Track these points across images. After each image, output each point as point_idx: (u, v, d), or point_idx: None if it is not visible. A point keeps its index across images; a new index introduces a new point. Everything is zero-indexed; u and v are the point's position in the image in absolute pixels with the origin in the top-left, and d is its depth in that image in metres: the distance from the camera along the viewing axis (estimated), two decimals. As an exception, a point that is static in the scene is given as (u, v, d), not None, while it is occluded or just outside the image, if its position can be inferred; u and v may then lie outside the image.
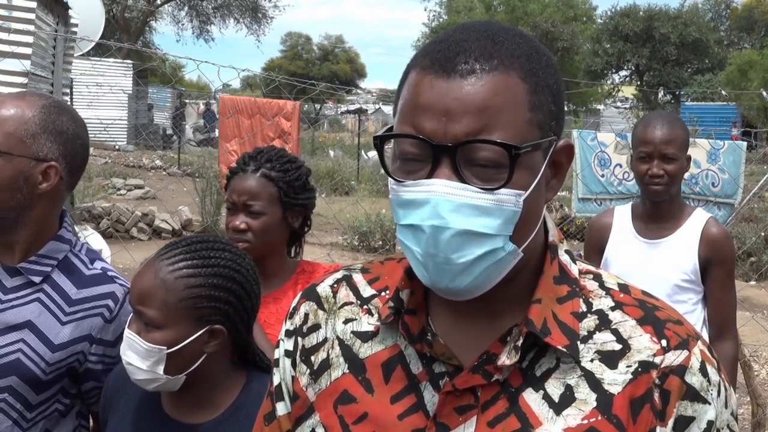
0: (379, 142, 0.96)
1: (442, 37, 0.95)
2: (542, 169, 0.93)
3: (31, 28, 5.26)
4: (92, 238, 6.74)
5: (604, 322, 0.98)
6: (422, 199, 0.90)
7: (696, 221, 2.77)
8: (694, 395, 0.94)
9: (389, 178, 0.94)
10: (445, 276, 0.91)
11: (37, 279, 1.70)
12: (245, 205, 2.06)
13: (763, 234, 10.38)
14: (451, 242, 0.89)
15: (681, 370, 0.94)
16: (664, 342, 0.96)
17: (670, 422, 0.93)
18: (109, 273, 1.79)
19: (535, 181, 0.92)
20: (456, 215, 0.89)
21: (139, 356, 1.50)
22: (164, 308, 1.49)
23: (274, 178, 2.07)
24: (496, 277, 0.93)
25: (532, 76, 0.92)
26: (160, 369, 1.50)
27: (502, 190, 0.89)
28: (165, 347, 1.49)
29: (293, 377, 1.10)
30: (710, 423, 0.95)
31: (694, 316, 2.72)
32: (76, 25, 6.94)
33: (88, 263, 1.78)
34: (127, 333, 1.52)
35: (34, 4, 5.31)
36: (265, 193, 2.06)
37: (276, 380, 1.13)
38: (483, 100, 0.89)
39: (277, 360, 1.13)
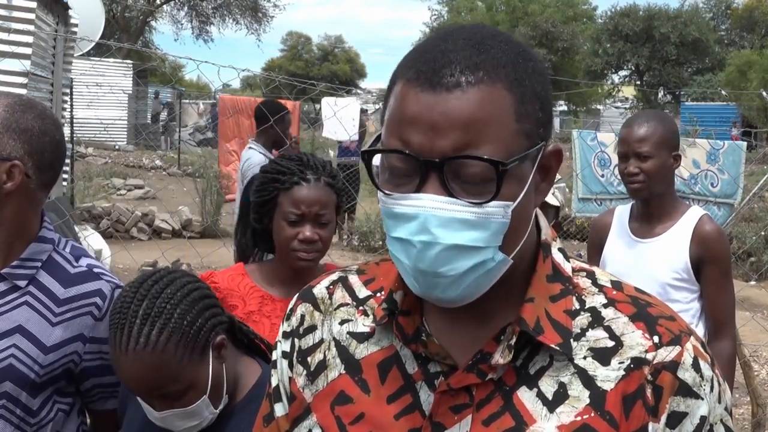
0: (366, 156, 0.95)
1: (427, 46, 0.94)
2: (531, 176, 0.93)
3: (31, 28, 5.27)
4: (92, 238, 6.75)
5: (596, 320, 0.99)
6: (411, 213, 0.89)
7: (689, 219, 2.73)
8: (686, 391, 0.95)
9: (378, 191, 0.94)
10: (436, 288, 0.92)
11: (22, 283, 1.68)
12: (316, 215, 2.03)
13: (763, 234, 10.36)
14: (440, 257, 0.89)
15: (673, 365, 0.95)
16: (656, 338, 0.96)
17: (663, 418, 0.94)
18: (95, 270, 1.77)
19: (524, 191, 0.92)
20: (445, 230, 0.89)
21: (191, 418, 1.53)
22: (176, 378, 1.48)
23: (333, 186, 2.08)
24: (486, 285, 0.94)
25: (518, 85, 0.91)
26: (211, 409, 1.54)
27: (491, 203, 0.89)
28: (204, 396, 1.52)
29: (290, 378, 1.10)
30: (703, 418, 0.95)
31: (689, 315, 2.69)
32: (76, 25, 6.95)
33: (73, 261, 1.76)
34: (164, 414, 1.52)
35: (34, 4, 5.32)
36: (330, 202, 2.06)
37: (274, 381, 1.14)
38: (469, 114, 0.88)
39: (275, 361, 1.14)
